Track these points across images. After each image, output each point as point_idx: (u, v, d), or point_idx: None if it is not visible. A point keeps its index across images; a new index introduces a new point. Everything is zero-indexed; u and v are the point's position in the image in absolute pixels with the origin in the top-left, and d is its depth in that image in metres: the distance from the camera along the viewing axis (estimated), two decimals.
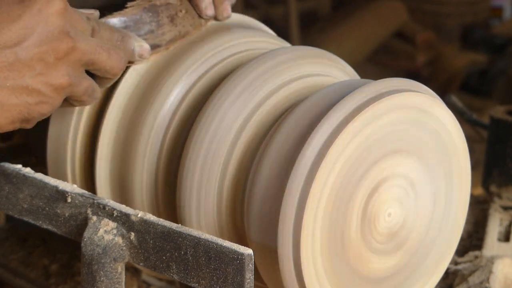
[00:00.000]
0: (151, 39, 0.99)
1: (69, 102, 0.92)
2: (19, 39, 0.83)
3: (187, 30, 1.01)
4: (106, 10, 0.98)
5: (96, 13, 0.95)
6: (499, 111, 1.39)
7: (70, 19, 0.87)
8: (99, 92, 0.94)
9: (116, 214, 0.86)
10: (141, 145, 0.99)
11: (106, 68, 0.91)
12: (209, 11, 1.03)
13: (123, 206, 0.87)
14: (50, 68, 0.85)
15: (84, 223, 0.88)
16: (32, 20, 0.84)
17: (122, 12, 0.98)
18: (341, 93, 0.90)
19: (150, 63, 1.00)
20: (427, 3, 4.32)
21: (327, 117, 0.87)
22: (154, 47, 0.99)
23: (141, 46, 0.96)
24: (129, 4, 0.98)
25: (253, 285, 0.80)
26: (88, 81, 0.91)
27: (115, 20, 0.97)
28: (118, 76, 0.95)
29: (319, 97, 0.92)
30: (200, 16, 1.03)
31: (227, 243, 0.80)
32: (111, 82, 0.96)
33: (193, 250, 0.82)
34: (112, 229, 0.86)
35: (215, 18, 1.05)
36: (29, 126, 0.89)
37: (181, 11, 1.00)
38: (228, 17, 1.05)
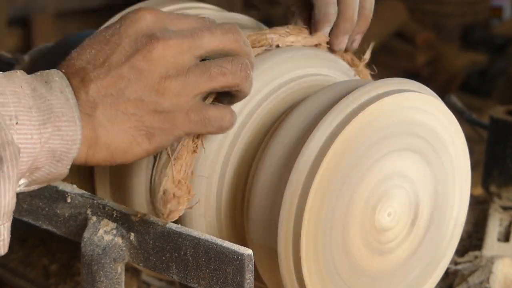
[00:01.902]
0: None
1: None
2: (107, 55, 0.82)
3: None
4: (106, 10, 0.98)
5: None
6: (499, 111, 1.39)
7: (155, 25, 0.83)
8: (245, 63, 0.85)
9: (115, 214, 0.86)
10: None
11: (219, 47, 0.84)
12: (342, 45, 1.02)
13: (123, 206, 0.87)
14: (145, 72, 0.82)
15: (83, 224, 0.88)
16: (119, 36, 0.82)
17: None
18: (341, 93, 0.90)
19: None
20: (427, 3, 4.32)
21: (327, 117, 0.87)
22: None
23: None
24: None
25: (253, 285, 0.80)
26: (206, 65, 0.84)
27: None
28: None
29: (319, 97, 0.92)
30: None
31: (227, 244, 0.80)
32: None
33: (193, 250, 0.82)
34: (112, 229, 0.86)
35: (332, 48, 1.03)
36: (162, 143, 0.84)
37: None
38: (341, 50, 1.03)
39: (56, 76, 0.80)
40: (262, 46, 0.97)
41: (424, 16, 4.30)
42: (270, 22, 1.19)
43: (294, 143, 0.88)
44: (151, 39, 0.81)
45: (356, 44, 1.02)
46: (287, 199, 0.86)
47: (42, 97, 0.78)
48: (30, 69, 1.24)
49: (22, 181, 0.78)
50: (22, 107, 0.76)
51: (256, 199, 0.89)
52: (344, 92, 0.90)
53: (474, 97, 3.88)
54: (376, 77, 0.98)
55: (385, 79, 0.93)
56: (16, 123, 0.75)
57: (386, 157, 0.90)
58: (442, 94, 1.12)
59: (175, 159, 0.85)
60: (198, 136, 0.87)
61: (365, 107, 0.87)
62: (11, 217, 0.77)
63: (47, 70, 0.81)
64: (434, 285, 1.01)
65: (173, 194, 0.83)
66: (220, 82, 0.84)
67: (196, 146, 0.87)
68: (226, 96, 0.87)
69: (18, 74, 0.78)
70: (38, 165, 0.78)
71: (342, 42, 1.01)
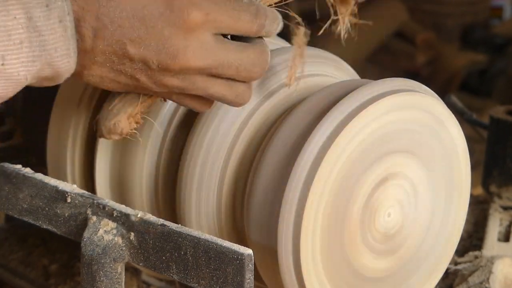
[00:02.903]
0: None
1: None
2: (131, 32, 0.79)
3: None
4: None
5: None
6: (499, 111, 1.39)
7: (209, 29, 0.81)
8: (246, 94, 0.86)
9: (116, 214, 0.86)
10: (141, 145, 0.99)
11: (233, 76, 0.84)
12: None
13: (123, 206, 0.87)
14: (153, 71, 0.81)
15: (84, 223, 0.88)
16: (155, 22, 0.79)
17: None
18: (341, 93, 0.90)
19: None
20: (427, 3, 4.32)
21: (327, 117, 0.87)
22: None
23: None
24: None
25: (253, 285, 0.80)
26: (215, 85, 0.84)
27: None
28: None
29: (319, 97, 0.92)
30: None
31: (227, 243, 0.80)
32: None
33: (193, 250, 0.82)
34: (112, 229, 0.86)
35: None
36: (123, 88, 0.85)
37: None
38: None
39: None
40: None
41: (424, 16, 4.30)
42: None
43: (294, 143, 0.88)
44: (177, 55, 0.80)
45: None
46: (287, 199, 0.86)
47: (36, 30, 0.75)
48: None
49: None
50: (12, 45, 0.75)
51: (256, 199, 0.89)
52: (344, 92, 0.90)
53: (474, 97, 3.87)
54: (376, 77, 0.97)
55: (385, 79, 0.93)
56: (2, 64, 0.75)
57: (386, 157, 0.90)
58: (442, 94, 1.12)
59: (142, 102, 0.88)
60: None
61: (365, 107, 0.87)
62: None
63: None
64: (434, 285, 1.01)
65: (122, 130, 0.87)
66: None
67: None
68: None
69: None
70: (29, 83, 0.79)
71: None
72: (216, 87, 0.84)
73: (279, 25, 0.85)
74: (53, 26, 0.76)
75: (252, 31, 0.83)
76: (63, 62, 0.78)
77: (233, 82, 0.84)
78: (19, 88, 0.77)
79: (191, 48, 0.80)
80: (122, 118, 0.87)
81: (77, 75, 0.82)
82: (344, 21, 0.97)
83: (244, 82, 0.85)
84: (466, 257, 1.21)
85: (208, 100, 0.87)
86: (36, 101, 1.20)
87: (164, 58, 0.80)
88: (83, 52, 0.79)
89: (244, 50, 0.83)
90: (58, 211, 0.90)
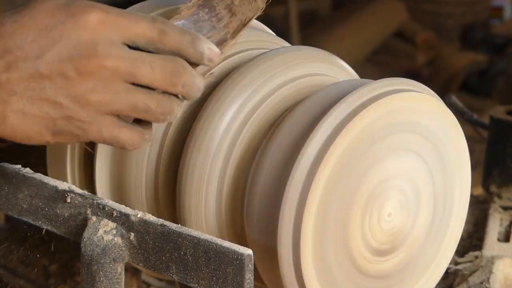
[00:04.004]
0: (215, 35, 0.92)
1: (145, 121, 0.86)
2: (42, 51, 0.80)
3: (246, 17, 0.94)
4: None
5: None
6: (499, 111, 1.39)
7: (111, 29, 0.81)
8: (170, 107, 0.85)
9: (115, 214, 0.86)
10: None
11: (150, 82, 0.83)
12: None
13: (123, 206, 0.87)
14: (73, 82, 0.81)
15: (83, 224, 0.88)
16: (60, 32, 0.80)
17: (178, 15, 0.91)
18: (341, 93, 0.90)
19: None
20: (427, 3, 4.33)
21: (327, 117, 0.87)
22: (220, 43, 0.91)
23: (210, 49, 0.85)
24: (182, 6, 0.92)
25: (253, 285, 0.80)
26: (138, 95, 0.83)
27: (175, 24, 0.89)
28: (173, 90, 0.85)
29: (319, 97, 0.92)
30: None
31: (227, 243, 0.80)
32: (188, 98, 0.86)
33: (192, 250, 0.82)
34: (112, 229, 0.86)
35: None
36: (65, 141, 0.84)
37: None
38: None
39: None
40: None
41: (424, 16, 4.31)
42: (270, 22, 1.19)
43: (294, 143, 0.88)
44: (90, 53, 0.80)
45: None
46: (287, 199, 0.86)
47: None
48: None
49: None
50: None
51: (256, 199, 0.89)
52: (344, 92, 0.90)
53: (474, 97, 3.88)
54: (376, 77, 0.97)
55: (385, 79, 0.93)
56: None
57: (386, 157, 0.90)
58: (442, 94, 1.12)
59: None
60: None
61: (365, 107, 0.87)
62: None
63: None
64: (434, 285, 1.01)
65: None
66: (141, 116, 0.84)
67: None
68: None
69: None
70: None
71: None
72: (139, 96, 0.83)
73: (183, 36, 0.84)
74: None
75: (152, 36, 0.83)
76: None
77: (153, 92, 0.84)
78: None
79: (101, 45, 0.80)
80: None
81: None
82: None
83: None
84: (466, 257, 1.21)
85: (141, 133, 0.86)
86: None
87: (79, 60, 0.80)
88: None
89: (155, 57, 0.83)
90: (58, 211, 0.90)
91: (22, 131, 0.83)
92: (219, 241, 0.80)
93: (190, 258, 0.82)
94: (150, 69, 0.82)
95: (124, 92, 0.82)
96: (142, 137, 0.86)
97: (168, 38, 0.83)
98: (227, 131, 0.93)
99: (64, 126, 0.83)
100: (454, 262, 1.19)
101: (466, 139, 0.98)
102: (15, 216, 0.94)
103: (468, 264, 1.18)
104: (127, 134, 0.85)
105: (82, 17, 0.80)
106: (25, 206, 0.93)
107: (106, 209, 0.87)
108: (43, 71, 0.80)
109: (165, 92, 0.84)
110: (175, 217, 0.98)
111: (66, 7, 0.81)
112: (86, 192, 0.90)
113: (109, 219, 0.87)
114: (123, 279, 0.87)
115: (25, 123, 0.82)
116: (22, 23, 0.81)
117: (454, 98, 1.59)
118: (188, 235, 0.82)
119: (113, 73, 0.81)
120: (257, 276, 0.90)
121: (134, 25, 0.82)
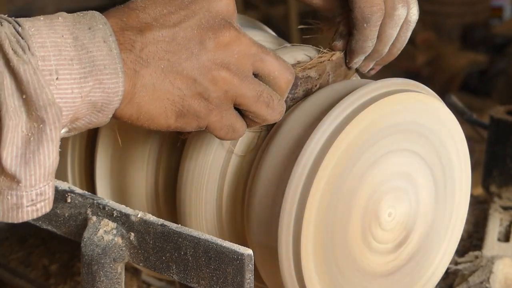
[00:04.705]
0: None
1: (245, 118, 0.85)
2: (180, 19, 0.79)
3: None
4: (106, 10, 0.97)
5: None
6: (499, 111, 1.39)
7: (234, 17, 0.82)
8: (277, 103, 0.84)
9: (116, 214, 0.86)
10: (141, 144, 0.99)
11: (272, 72, 0.83)
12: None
13: (123, 206, 0.87)
14: (210, 51, 0.79)
15: (84, 223, 0.88)
16: (197, 6, 0.79)
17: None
18: (341, 93, 0.90)
19: None
20: (427, 3, 4.33)
21: (327, 117, 0.87)
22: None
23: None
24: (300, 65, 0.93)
25: (253, 285, 0.80)
26: (263, 85, 0.82)
27: None
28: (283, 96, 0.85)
29: (319, 97, 0.92)
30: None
31: (227, 243, 0.80)
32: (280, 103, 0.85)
33: (193, 250, 0.82)
34: (112, 229, 0.86)
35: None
36: (185, 125, 0.82)
37: (316, 86, 0.94)
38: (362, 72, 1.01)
39: (100, 22, 0.77)
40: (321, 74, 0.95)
41: (424, 16, 4.30)
42: (270, 22, 1.19)
43: (294, 143, 0.88)
44: (228, 25, 0.80)
45: (372, 72, 1.01)
46: (287, 199, 0.86)
47: (84, 48, 0.75)
48: None
49: (63, 130, 0.77)
50: (63, 60, 0.74)
51: (256, 199, 0.89)
52: (345, 92, 0.90)
53: (474, 97, 3.88)
54: (376, 77, 0.98)
55: (385, 79, 0.93)
56: (57, 78, 0.74)
57: (386, 157, 0.90)
58: (442, 94, 1.12)
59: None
60: None
61: (365, 107, 0.87)
62: (54, 175, 0.76)
63: (91, 13, 0.78)
64: (434, 285, 1.01)
65: None
66: (259, 109, 0.83)
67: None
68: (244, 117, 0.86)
69: (60, 21, 0.76)
70: (79, 116, 0.77)
71: (365, 66, 0.99)
72: (264, 86, 0.83)
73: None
74: (99, 45, 0.76)
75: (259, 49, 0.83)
76: (112, 82, 0.76)
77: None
78: (71, 113, 0.75)
79: (236, 24, 0.81)
80: None
81: (127, 98, 0.79)
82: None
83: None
84: (466, 257, 1.21)
85: (245, 125, 0.85)
86: None
87: (219, 29, 0.80)
88: (131, 60, 0.78)
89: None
90: (58, 211, 0.90)
91: (148, 111, 0.80)
92: (219, 241, 0.80)
93: (190, 258, 0.82)
94: (274, 59, 0.83)
95: (251, 78, 0.82)
96: (244, 129, 0.85)
97: (270, 62, 0.84)
98: None
99: (190, 107, 0.81)
100: (454, 262, 1.19)
101: (466, 139, 0.98)
102: None
103: (468, 264, 1.18)
104: (241, 125, 0.85)
105: None
106: None
107: (106, 209, 0.87)
108: (180, 38, 0.78)
109: None
110: (176, 217, 0.98)
111: None
112: (86, 192, 0.90)
113: (109, 219, 0.87)
114: (123, 279, 0.87)
115: (153, 100, 0.79)
116: (153, 0, 0.80)
117: (454, 98, 1.59)
118: (188, 235, 0.82)
119: (246, 51, 0.81)
120: (257, 276, 0.90)
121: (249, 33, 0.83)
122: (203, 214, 0.94)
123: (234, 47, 0.80)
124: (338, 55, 0.96)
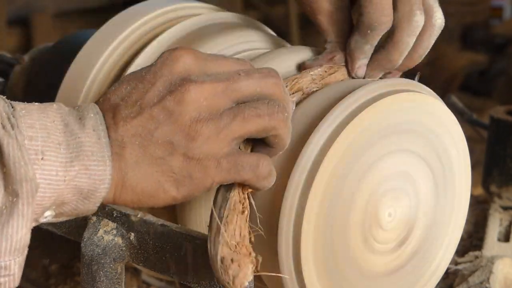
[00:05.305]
0: None
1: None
2: (141, 94, 0.79)
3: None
4: (106, 10, 0.97)
5: None
6: (499, 111, 1.39)
7: (202, 64, 0.81)
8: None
9: (115, 214, 0.86)
10: None
11: (253, 89, 0.81)
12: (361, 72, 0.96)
13: (123, 206, 0.87)
14: (175, 114, 0.78)
15: (83, 223, 0.88)
16: (153, 75, 0.80)
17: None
18: (341, 93, 0.90)
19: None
20: None
21: (327, 117, 0.87)
22: None
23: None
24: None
25: (253, 285, 0.80)
26: (260, 107, 0.80)
27: None
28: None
29: (319, 97, 0.92)
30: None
31: None
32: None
33: (193, 250, 0.82)
34: (112, 229, 0.86)
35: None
36: (192, 192, 0.80)
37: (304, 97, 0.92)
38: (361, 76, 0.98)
39: (92, 112, 0.79)
40: (295, 92, 0.92)
41: None
42: (270, 22, 1.19)
43: (294, 143, 0.88)
44: (185, 81, 0.79)
45: (389, 77, 0.98)
46: (287, 199, 0.86)
47: (73, 134, 0.76)
48: (30, 69, 1.24)
49: (48, 213, 0.77)
50: (50, 143, 0.75)
51: (256, 199, 0.89)
52: (344, 92, 0.90)
53: (474, 97, 3.88)
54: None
55: (385, 79, 0.93)
56: (42, 158, 0.74)
57: (386, 157, 0.90)
58: (442, 94, 1.12)
59: (224, 225, 0.80)
60: (245, 197, 0.83)
61: (365, 107, 0.87)
62: (25, 252, 0.76)
63: (86, 105, 0.80)
64: (434, 285, 1.01)
65: (232, 260, 0.79)
66: (255, 124, 0.80)
67: (244, 206, 0.83)
68: (264, 147, 0.84)
69: (54, 107, 0.77)
70: (64, 200, 0.77)
71: (374, 76, 0.97)
72: (261, 108, 0.81)
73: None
74: (88, 131, 0.77)
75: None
76: (99, 169, 0.77)
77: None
78: (54, 196, 0.76)
79: (193, 75, 0.80)
80: (223, 252, 0.79)
81: (119, 184, 0.79)
82: None
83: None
84: (466, 257, 1.21)
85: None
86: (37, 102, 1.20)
87: (175, 89, 0.79)
88: (113, 145, 0.78)
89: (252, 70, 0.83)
90: None
91: (142, 189, 0.79)
92: None
93: (190, 258, 0.82)
94: (246, 79, 0.80)
95: (228, 110, 0.80)
96: (269, 160, 0.83)
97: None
98: None
99: (182, 170, 0.79)
100: (454, 262, 1.19)
101: (466, 139, 0.98)
102: None
103: (468, 264, 1.18)
104: (250, 157, 0.82)
105: (174, 55, 0.80)
106: None
107: (106, 209, 0.87)
108: (145, 111, 0.78)
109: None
110: (176, 217, 0.98)
111: (159, 57, 0.81)
112: None
113: (109, 219, 0.87)
114: (123, 279, 0.87)
115: (143, 177, 0.79)
116: (121, 80, 0.81)
117: (454, 98, 1.59)
118: (188, 235, 0.82)
119: (213, 93, 0.79)
120: (257, 276, 0.90)
121: (222, 61, 0.82)
122: (203, 214, 0.94)
123: (198, 99, 0.78)
124: (314, 71, 0.94)
